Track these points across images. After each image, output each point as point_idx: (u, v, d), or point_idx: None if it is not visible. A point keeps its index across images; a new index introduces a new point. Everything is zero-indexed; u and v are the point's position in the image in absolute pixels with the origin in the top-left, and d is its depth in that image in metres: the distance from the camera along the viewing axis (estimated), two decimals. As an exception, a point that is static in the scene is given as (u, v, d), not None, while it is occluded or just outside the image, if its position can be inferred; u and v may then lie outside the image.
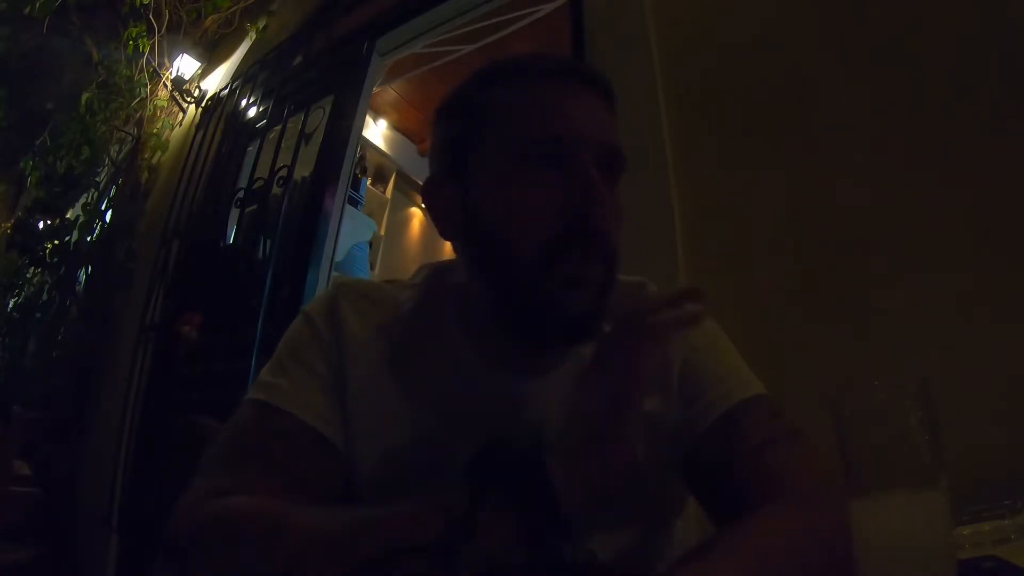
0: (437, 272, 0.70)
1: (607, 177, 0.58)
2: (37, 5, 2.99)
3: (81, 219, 3.47)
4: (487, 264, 0.60)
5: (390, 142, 4.25)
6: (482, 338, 0.64)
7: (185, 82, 3.18)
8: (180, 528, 0.52)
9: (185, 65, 3.16)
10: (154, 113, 3.30)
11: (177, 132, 3.25)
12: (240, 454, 0.57)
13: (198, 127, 3.02)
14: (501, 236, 0.58)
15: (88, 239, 3.41)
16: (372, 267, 4.01)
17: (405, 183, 4.51)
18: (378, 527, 0.47)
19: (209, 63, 3.27)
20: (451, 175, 0.62)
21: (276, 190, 2.34)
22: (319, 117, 2.34)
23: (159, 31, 3.07)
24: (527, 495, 0.45)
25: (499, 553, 0.45)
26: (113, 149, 3.63)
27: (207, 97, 3.11)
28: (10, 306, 4.09)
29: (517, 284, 0.57)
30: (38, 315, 3.60)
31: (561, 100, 0.59)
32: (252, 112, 2.70)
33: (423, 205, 4.84)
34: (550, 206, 0.56)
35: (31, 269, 3.76)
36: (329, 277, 2.15)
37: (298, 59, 2.62)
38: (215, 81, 3.17)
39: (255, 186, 2.46)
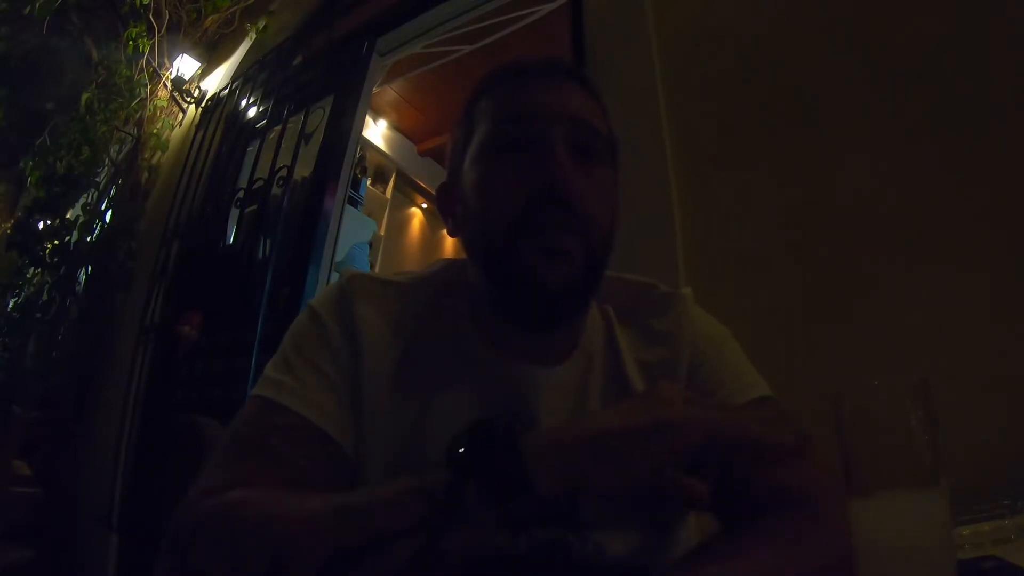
0: (452, 266, 0.71)
1: (581, 155, 0.61)
2: (37, 5, 2.98)
3: (81, 219, 3.46)
4: (471, 247, 0.64)
5: (390, 142, 4.25)
6: (492, 332, 0.65)
7: (185, 82, 3.18)
8: (181, 523, 0.52)
9: (185, 65, 3.16)
10: (154, 113, 3.30)
11: (177, 132, 3.25)
12: (243, 450, 0.57)
13: (198, 127, 3.02)
14: (476, 215, 0.62)
15: (88, 239, 3.40)
16: (372, 267, 4.02)
17: (405, 183, 4.51)
18: (362, 511, 0.47)
19: (209, 63, 3.27)
20: (451, 177, 0.67)
21: (276, 190, 2.34)
22: (319, 117, 2.34)
23: (159, 31, 3.07)
24: (501, 477, 0.45)
25: (483, 536, 0.45)
26: (113, 149, 3.63)
27: (207, 97, 3.11)
28: (10, 306, 4.08)
29: (495, 259, 0.60)
30: (38, 315, 3.59)
31: (528, 89, 0.63)
32: (252, 112, 2.70)
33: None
34: (516, 181, 0.59)
35: (31, 269, 3.75)
36: (329, 277, 2.15)
37: (298, 59, 2.62)
38: (215, 81, 3.17)
39: (255, 186, 2.46)
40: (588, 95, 0.65)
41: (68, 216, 3.71)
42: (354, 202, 3.87)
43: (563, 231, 0.58)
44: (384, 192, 4.37)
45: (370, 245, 4.03)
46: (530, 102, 0.62)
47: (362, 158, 4.03)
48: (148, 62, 3.16)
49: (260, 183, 2.42)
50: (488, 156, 0.62)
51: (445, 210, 0.69)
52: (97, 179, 3.76)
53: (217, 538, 0.49)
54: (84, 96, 3.37)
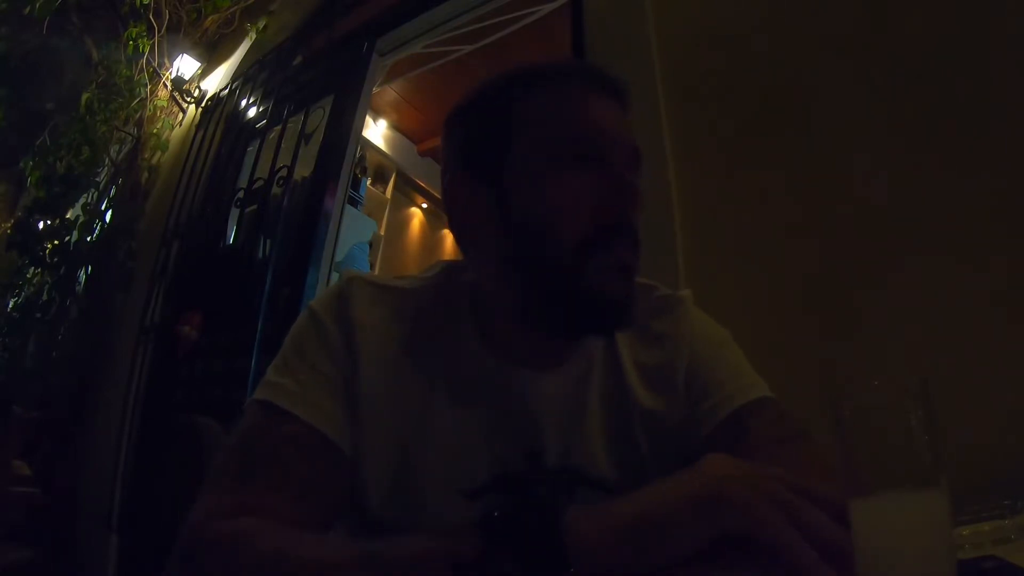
0: (450, 268, 0.71)
1: (632, 173, 0.63)
2: (37, 5, 2.98)
3: (81, 219, 3.46)
4: (525, 260, 0.61)
5: (390, 142, 4.25)
6: (495, 334, 0.65)
7: (185, 82, 3.18)
8: (192, 546, 0.51)
9: (185, 65, 3.16)
10: (154, 113, 3.30)
11: (177, 132, 3.25)
12: (249, 464, 0.56)
13: (198, 127, 3.02)
14: (540, 232, 0.60)
15: (88, 239, 3.40)
16: (372, 267, 4.02)
17: (405, 183, 4.51)
18: (386, 564, 0.47)
19: (209, 63, 3.27)
20: (478, 175, 0.64)
21: (276, 190, 2.34)
22: (319, 117, 2.34)
23: (159, 31, 3.07)
24: (539, 553, 0.45)
25: None
26: (113, 149, 3.63)
27: (207, 97, 3.11)
28: (10, 306, 4.09)
29: (558, 276, 0.59)
30: (38, 315, 3.59)
31: (590, 103, 0.63)
32: (252, 112, 2.70)
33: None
34: (587, 203, 0.59)
35: (31, 269, 3.76)
36: (329, 277, 2.15)
37: (298, 59, 2.62)
38: (215, 81, 3.17)
39: (255, 186, 2.46)
40: (628, 110, 0.67)
41: (68, 216, 3.71)
42: (354, 202, 3.88)
43: (625, 249, 0.60)
44: (384, 192, 4.37)
45: (370, 245, 4.03)
46: (596, 120, 0.62)
47: (362, 158, 4.03)
48: (148, 62, 3.17)
49: (260, 183, 2.43)
50: (553, 170, 0.60)
51: (462, 208, 0.65)
52: (97, 179, 3.77)
53: (228, 567, 0.49)
54: (84, 96, 3.38)
